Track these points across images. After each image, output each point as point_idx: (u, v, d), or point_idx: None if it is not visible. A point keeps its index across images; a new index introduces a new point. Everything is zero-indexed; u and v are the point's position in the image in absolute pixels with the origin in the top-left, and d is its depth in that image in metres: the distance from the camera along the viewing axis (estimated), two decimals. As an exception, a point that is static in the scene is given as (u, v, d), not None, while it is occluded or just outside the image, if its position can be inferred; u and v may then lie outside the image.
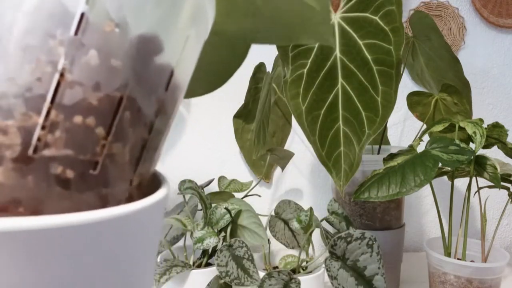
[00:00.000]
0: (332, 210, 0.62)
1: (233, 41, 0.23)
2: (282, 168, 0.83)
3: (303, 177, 0.96)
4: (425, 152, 0.57)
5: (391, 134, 0.96)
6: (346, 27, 0.56)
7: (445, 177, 0.91)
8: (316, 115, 0.57)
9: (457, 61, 0.73)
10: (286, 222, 0.70)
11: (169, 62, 0.16)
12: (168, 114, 0.17)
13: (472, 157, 0.54)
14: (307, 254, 0.66)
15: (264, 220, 0.68)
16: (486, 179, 0.60)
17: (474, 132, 0.58)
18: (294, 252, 0.68)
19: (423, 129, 0.69)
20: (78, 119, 0.13)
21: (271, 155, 0.77)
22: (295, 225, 0.59)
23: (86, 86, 0.13)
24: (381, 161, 0.63)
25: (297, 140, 0.94)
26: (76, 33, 0.13)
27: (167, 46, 0.16)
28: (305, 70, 0.57)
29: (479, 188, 0.67)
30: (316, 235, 0.91)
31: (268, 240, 0.63)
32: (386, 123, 0.61)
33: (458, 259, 0.65)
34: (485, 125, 0.61)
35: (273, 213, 0.72)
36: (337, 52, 0.56)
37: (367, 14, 0.55)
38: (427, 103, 0.74)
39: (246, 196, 0.75)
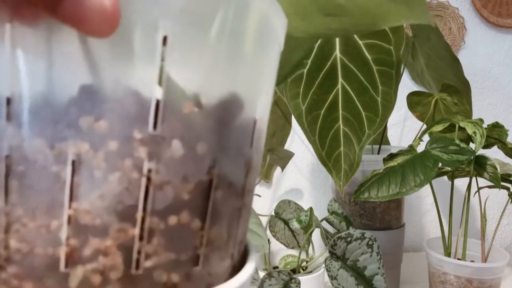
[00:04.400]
0: (332, 210, 0.62)
1: (301, 40, 0.21)
2: (282, 168, 0.83)
3: (303, 177, 0.96)
4: (425, 152, 0.57)
5: (391, 134, 0.96)
6: (346, 27, 0.56)
7: (445, 177, 0.91)
8: (316, 115, 0.57)
9: (457, 61, 0.73)
10: (286, 222, 0.70)
11: (250, 114, 0.14)
12: (255, 167, 0.15)
13: (472, 157, 0.54)
14: (307, 254, 0.66)
15: (264, 220, 0.68)
16: (486, 179, 0.60)
17: (474, 132, 0.58)
18: (294, 252, 0.68)
19: (423, 129, 0.69)
20: (172, 220, 0.12)
21: (271, 155, 0.77)
22: (295, 225, 0.59)
23: (174, 183, 0.12)
24: (381, 161, 0.63)
25: (297, 140, 0.94)
26: (155, 126, 0.12)
27: (246, 97, 0.14)
28: (305, 70, 0.57)
29: (479, 188, 0.66)
30: (316, 235, 0.91)
31: (268, 240, 0.63)
32: (386, 123, 0.61)
33: (458, 259, 0.65)
34: (485, 125, 0.60)
35: (273, 213, 0.72)
36: (337, 52, 0.56)
37: (367, 14, 0.55)
38: (427, 103, 0.74)
39: (246, 196, 0.74)
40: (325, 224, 0.87)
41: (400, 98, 0.93)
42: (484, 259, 0.66)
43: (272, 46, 0.15)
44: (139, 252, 0.12)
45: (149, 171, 0.12)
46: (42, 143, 0.11)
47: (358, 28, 0.21)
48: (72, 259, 0.11)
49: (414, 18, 0.21)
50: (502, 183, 0.61)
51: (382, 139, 0.74)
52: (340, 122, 0.57)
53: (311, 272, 0.62)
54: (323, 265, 0.59)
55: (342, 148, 0.57)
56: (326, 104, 0.57)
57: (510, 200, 0.65)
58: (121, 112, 0.11)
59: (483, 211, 0.66)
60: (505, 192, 0.96)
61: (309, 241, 0.65)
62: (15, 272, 0.11)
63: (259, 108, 0.15)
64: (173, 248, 0.12)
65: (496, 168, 0.58)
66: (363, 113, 0.56)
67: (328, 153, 0.57)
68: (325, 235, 0.61)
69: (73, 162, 0.11)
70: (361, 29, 0.22)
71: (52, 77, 0.11)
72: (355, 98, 0.56)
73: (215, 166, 0.13)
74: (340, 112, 0.57)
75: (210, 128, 0.13)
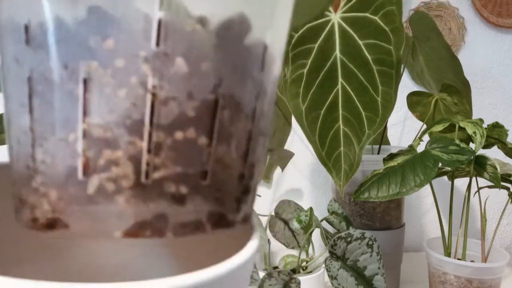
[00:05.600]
0: (332, 210, 0.62)
1: None
2: (282, 168, 0.83)
3: (303, 177, 0.96)
4: (425, 152, 0.57)
5: (391, 134, 0.96)
6: (346, 27, 0.56)
7: (445, 177, 0.91)
8: (316, 115, 0.57)
9: (457, 61, 0.73)
10: (286, 222, 0.70)
11: (259, 38, 0.14)
12: (268, 93, 0.16)
13: (472, 157, 0.54)
14: (307, 254, 0.66)
15: (264, 220, 0.68)
16: (486, 179, 0.60)
17: (474, 132, 0.58)
18: (294, 252, 0.68)
19: (423, 129, 0.69)
20: (179, 135, 0.13)
21: (271, 155, 0.77)
22: (295, 225, 0.59)
23: (179, 99, 0.13)
24: (381, 161, 0.63)
25: (297, 140, 0.94)
26: (157, 43, 0.12)
27: (254, 19, 0.14)
28: (305, 70, 0.57)
29: (479, 188, 0.66)
30: (316, 235, 0.91)
31: (268, 240, 0.63)
32: (386, 123, 0.61)
33: (458, 259, 0.65)
34: (485, 125, 0.61)
35: (273, 213, 0.72)
36: (337, 52, 0.56)
37: (367, 14, 0.55)
38: (427, 103, 0.74)
39: (246, 196, 0.74)
40: (325, 224, 0.87)
41: (400, 98, 0.93)
42: (484, 259, 0.66)
43: None
44: (148, 164, 0.13)
45: (154, 87, 0.12)
46: (57, 64, 0.12)
47: None
48: (88, 168, 0.12)
49: None
50: (502, 183, 0.61)
51: (382, 139, 0.74)
52: (340, 122, 0.57)
53: (311, 272, 0.62)
54: (323, 265, 0.59)
55: (342, 148, 0.57)
56: (326, 104, 0.57)
57: (510, 200, 0.65)
58: (126, 31, 0.12)
59: (483, 211, 0.66)
60: (505, 192, 0.96)
61: (309, 241, 0.65)
62: (42, 181, 0.13)
63: (271, 33, 0.15)
64: (181, 162, 0.13)
65: (496, 168, 0.58)
66: (363, 113, 0.56)
67: (328, 153, 0.57)
68: (325, 235, 0.61)
69: (85, 80, 0.12)
70: None
71: (62, 1, 0.12)
72: (355, 98, 0.56)
73: (221, 85, 0.13)
74: (340, 112, 0.57)
75: (215, 47, 0.13)
